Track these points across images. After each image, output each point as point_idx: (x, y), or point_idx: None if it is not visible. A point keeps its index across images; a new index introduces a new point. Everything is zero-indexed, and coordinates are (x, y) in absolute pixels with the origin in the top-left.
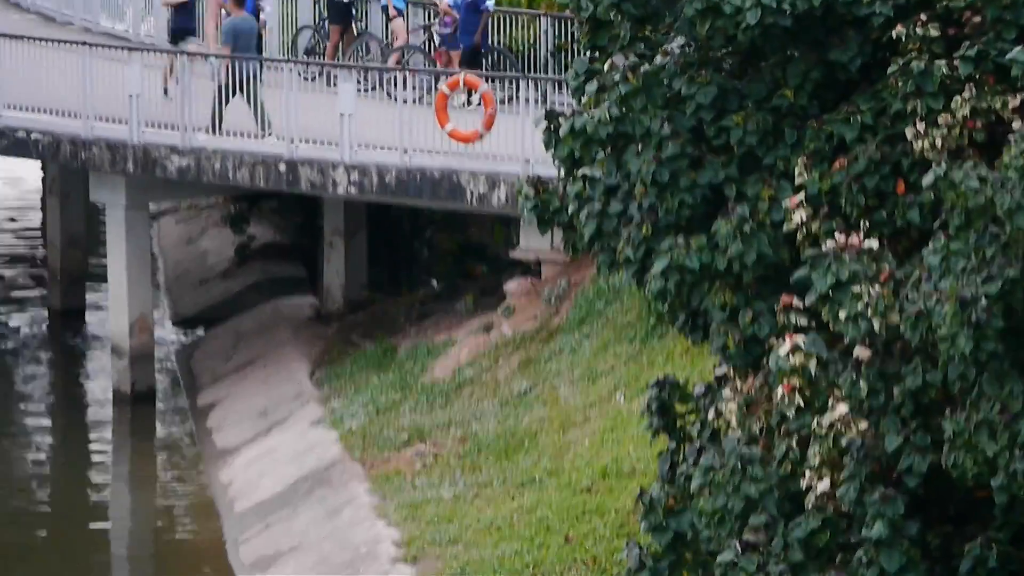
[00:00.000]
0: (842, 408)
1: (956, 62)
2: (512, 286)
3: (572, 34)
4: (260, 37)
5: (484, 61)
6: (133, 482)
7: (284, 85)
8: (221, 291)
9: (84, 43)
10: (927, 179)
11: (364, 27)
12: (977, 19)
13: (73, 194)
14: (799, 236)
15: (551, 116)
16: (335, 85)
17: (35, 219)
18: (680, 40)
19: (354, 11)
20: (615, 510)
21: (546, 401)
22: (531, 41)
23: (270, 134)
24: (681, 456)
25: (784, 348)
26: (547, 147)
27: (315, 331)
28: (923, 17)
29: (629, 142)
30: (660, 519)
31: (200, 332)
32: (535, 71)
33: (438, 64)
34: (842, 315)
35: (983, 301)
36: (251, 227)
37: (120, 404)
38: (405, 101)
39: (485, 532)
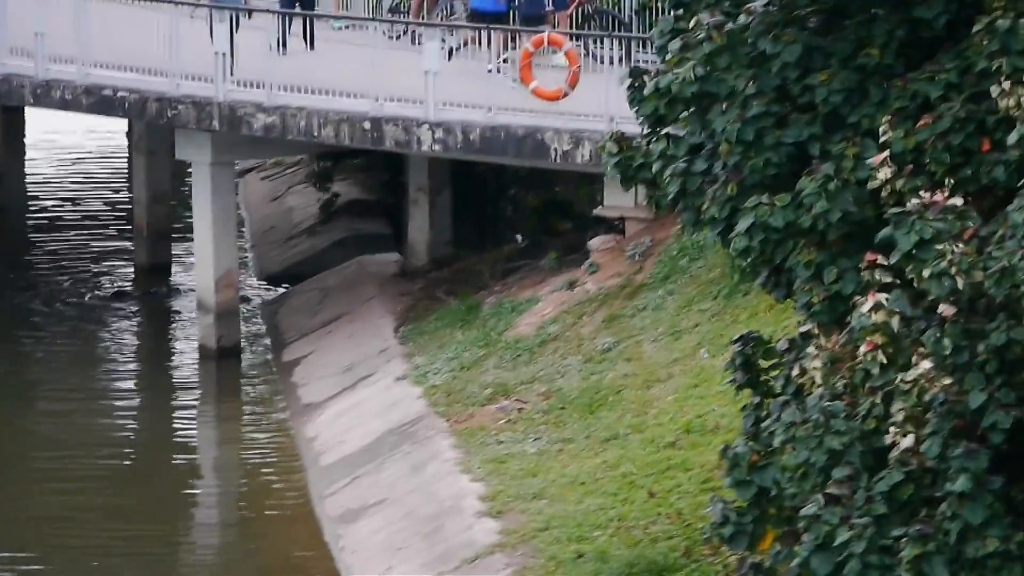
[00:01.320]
0: (926, 365)
1: None
2: (596, 243)
3: None
4: None
5: (593, 23)
6: (219, 437)
7: (369, 43)
8: (306, 248)
9: (171, 1)
10: (1012, 137)
11: None
12: None
13: (159, 151)
14: (883, 194)
15: (636, 73)
16: (420, 43)
17: (122, 175)
18: None
19: None
20: (699, 465)
21: (630, 357)
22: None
23: None
24: (764, 411)
25: (868, 305)
26: (631, 104)
27: (400, 287)
28: None
29: (713, 101)
30: (744, 474)
31: (285, 288)
32: (620, 29)
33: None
34: (926, 273)
35: None
36: (336, 184)
37: (206, 359)
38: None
39: (569, 487)
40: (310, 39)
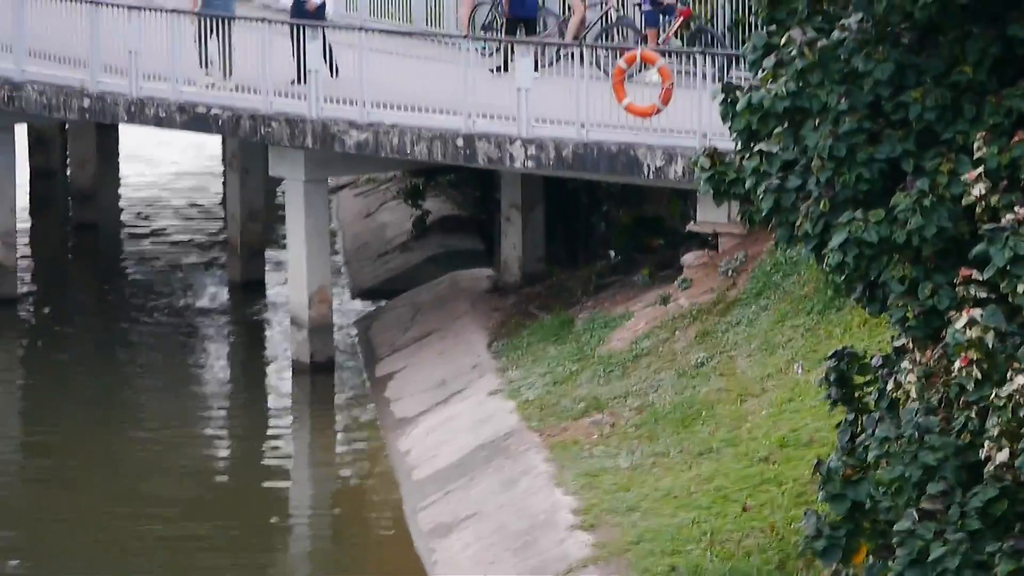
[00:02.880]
0: (1021, 380)
1: None
2: (689, 259)
3: (750, 8)
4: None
5: (696, 41)
6: (312, 451)
7: (462, 61)
8: (399, 263)
9: (263, 19)
10: None
11: (541, 2)
12: None
13: (253, 168)
14: (978, 209)
15: (729, 88)
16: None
17: (216, 192)
18: (858, 15)
19: None
20: (793, 480)
21: (723, 372)
22: (708, 16)
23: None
24: (859, 427)
25: (962, 321)
26: (724, 119)
27: (492, 303)
28: None
29: (806, 117)
30: (838, 488)
31: (378, 304)
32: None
33: (648, 40)
34: (1021, 288)
35: None
36: (428, 201)
37: (299, 374)
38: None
39: (662, 501)
40: (331, 64)
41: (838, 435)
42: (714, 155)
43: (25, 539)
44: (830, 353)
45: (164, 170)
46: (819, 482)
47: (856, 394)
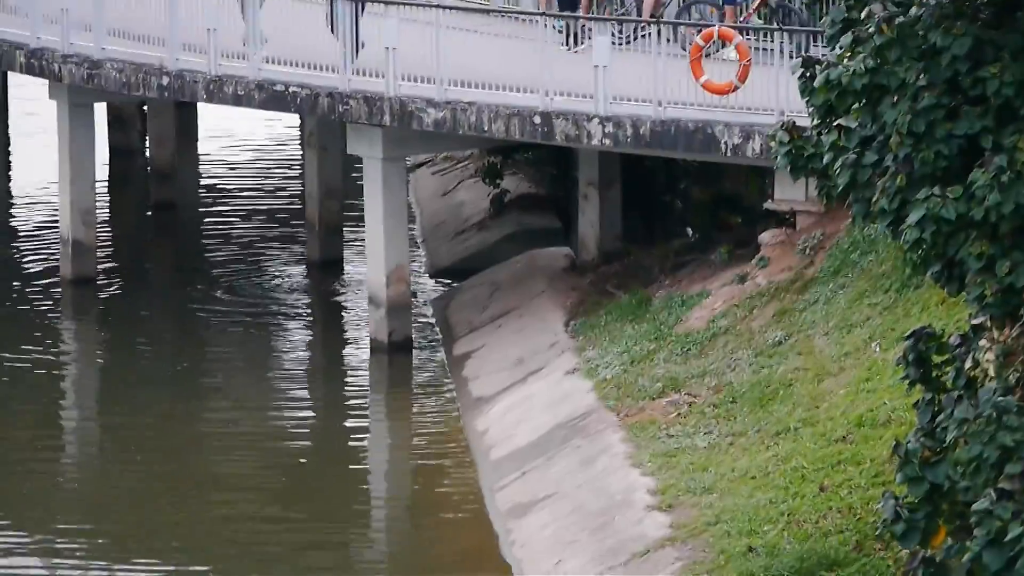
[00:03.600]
0: None
1: None
2: (766, 237)
3: None
4: None
5: (776, 18)
6: (390, 430)
7: (539, 38)
8: (476, 242)
9: None
10: None
11: None
12: None
13: (331, 146)
14: None
15: (808, 64)
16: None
17: (294, 170)
18: None
19: None
20: (870, 459)
21: (801, 351)
22: None
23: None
24: (937, 407)
25: None
26: (803, 94)
27: (570, 281)
28: None
29: (884, 93)
30: (916, 470)
31: (456, 283)
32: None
33: (726, 18)
34: None
35: None
36: (505, 179)
37: (377, 353)
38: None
39: (739, 481)
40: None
41: (918, 415)
42: (792, 129)
43: (104, 521)
44: (908, 333)
45: (242, 148)
46: (897, 464)
47: (934, 374)
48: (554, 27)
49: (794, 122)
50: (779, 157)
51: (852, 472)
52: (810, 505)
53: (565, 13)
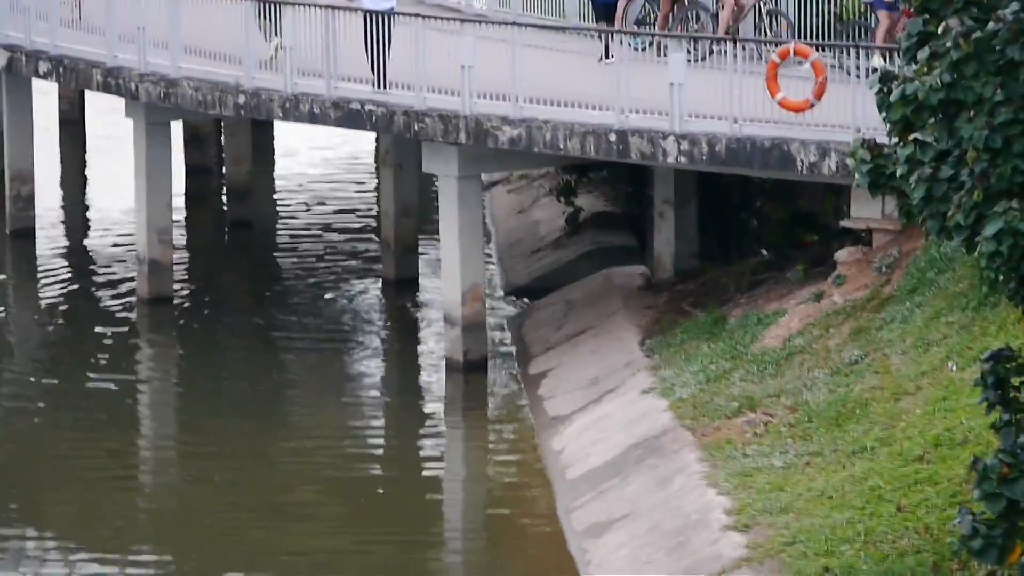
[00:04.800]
0: None
1: None
2: (843, 255)
3: None
4: None
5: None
6: (466, 449)
7: (616, 56)
8: (552, 260)
9: (417, 15)
10: None
11: None
12: None
13: (406, 164)
14: None
15: (885, 78)
16: (665, 55)
17: (370, 188)
18: (1015, 6)
19: None
20: (948, 479)
21: (877, 370)
22: (862, 9)
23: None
24: (1017, 427)
25: None
26: (880, 108)
27: (645, 300)
28: None
29: (961, 108)
30: (994, 486)
31: (531, 301)
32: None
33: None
34: None
35: None
36: (580, 197)
37: (453, 372)
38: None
39: (816, 501)
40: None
41: (1000, 438)
42: (873, 147)
43: (179, 546)
44: (985, 355)
45: (318, 167)
46: (974, 480)
47: (1012, 395)
48: (630, 44)
49: (874, 139)
50: (859, 175)
51: (929, 492)
52: (887, 525)
53: (641, 31)
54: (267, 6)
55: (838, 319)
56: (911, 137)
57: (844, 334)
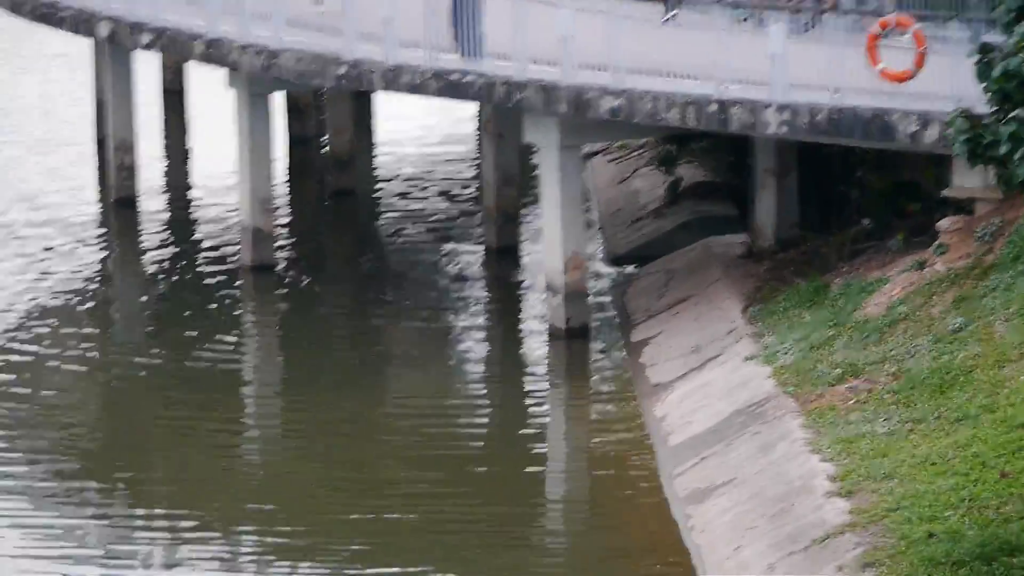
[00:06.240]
0: None
1: None
2: (945, 224)
3: None
4: None
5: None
6: (568, 417)
7: (715, 27)
8: (652, 230)
9: None
10: None
11: None
12: None
13: (507, 134)
14: None
15: (984, 49)
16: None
17: (471, 157)
18: None
19: None
20: None
21: (980, 338)
22: None
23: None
24: None
25: None
26: (980, 79)
27: (746, 269)
28: None
29: None
30: None
31: (632, 270)
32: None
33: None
34: None
35: None
36: (681, 167)
37: (555, 340)
38: None
39: (920, 467)
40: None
41: None
42: (971, 117)
43: (281, 513)
44: None
45: (419, 136)
46: None
47: None
48: (731, 16)
49: (971, 110)
50: (957, 144)
51: None
52: (991, 491)
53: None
54: None
55: (941, 287)
56: (1012, 115)
57: (947, 302)
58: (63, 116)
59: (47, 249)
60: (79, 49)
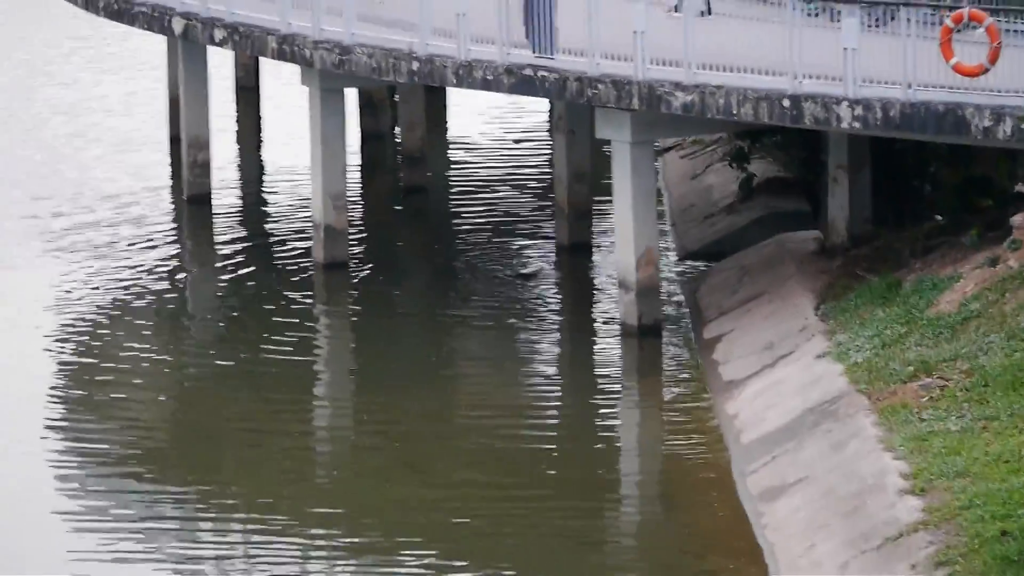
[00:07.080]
0: None
1: None
2: (1018, 220)
3: None
4: None
5: None
6: (641, 413)
7: (787, 21)
8: (725, 225)
9: None
10: None
11: None
12: None
13: (579, 130)
14: None
15: None
16: (839, 21)
17: (542, 153)
18: None
19: None
20: None
21: None
22: None
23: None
24: None
25: None
26: None
27: (819, 265)
28: None
29: None
30: None
31: (705, 266)
32: None
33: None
34: None
35: None
36: (754, 162)
37: (627, 336)
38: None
39: (993, 465)
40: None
41: None
42: None
43: (352, 512)
44: None
45: (492, 132)
46: None
47: None
48: (803, 9)
49: None
50: None
51: None
52: None
53: None
54: None
55: (1014, 284)
56: None
57: (1020, 299)
58: (143, 114)
59: (128, 246)
60: (159, 47)
